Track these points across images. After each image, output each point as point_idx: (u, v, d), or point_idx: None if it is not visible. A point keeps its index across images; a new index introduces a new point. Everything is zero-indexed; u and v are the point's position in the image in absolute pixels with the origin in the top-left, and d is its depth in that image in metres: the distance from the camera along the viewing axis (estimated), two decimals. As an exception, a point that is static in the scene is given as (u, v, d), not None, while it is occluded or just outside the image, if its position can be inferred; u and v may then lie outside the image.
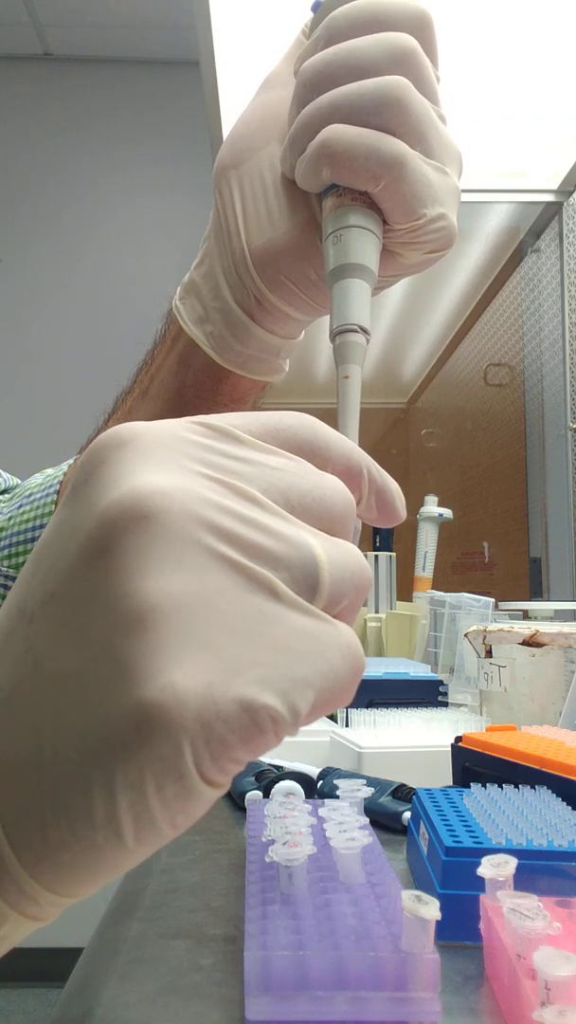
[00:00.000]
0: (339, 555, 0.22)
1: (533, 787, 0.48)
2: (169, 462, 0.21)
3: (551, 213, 1.98)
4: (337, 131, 0.35)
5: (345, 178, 0.35)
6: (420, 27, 0.36)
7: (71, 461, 0.58)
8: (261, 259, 0.40)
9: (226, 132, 1.63)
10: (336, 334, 0.35)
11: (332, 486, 0.23)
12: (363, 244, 0.35)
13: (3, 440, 2.69)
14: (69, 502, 0.22)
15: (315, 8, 0.40)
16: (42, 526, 0.55)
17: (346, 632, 0.21)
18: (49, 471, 0.60)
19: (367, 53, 0.35)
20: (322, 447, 0.24)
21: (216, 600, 0.20)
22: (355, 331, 0.34)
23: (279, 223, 0.39)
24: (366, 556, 1.52)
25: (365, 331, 0.35)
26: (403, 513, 0.26)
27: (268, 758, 0.68)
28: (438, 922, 0.31)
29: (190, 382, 0.46)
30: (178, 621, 0.19)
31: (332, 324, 0.35)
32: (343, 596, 0.22)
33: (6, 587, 0.55)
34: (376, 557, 1.50)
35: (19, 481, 0.65)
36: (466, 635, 0.87)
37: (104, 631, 0.19)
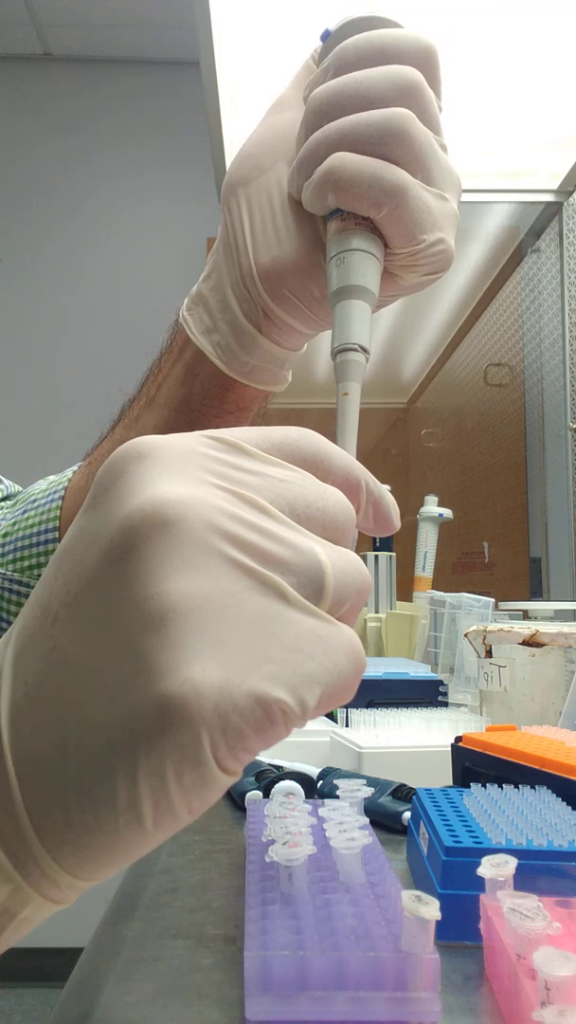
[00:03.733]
0: (342, 561, 0.23)
1: (533, 787, 0.48)
2: (184, 473, 0.22)
3: (551, 213, 1.98)
4: (343, 159, 0.36)
5: (349, 204, 0.37)
6: (425, 61, 0.38)
7: (75, 468, 0.58)
8: (267, 275, 0.41)
9: (226, 132, 1.63)
10: (337, 352, 0.36)
11: (334, 497, 0.24)
12: (365, 267, 0.37)
13: (4, 446, 2.70)
14: (90, 510, 0.23)
15: (324, 37, 0.41)
16: (47, 531, 0.55)
17: (349, 633, 0.23)
18: (52, 478, 0.60)
19: (374, 85, 0.36)
20: (324, 461, 0.26)
21: (230, 602, 0.21)
22: (355, 350, 0.36)
23: (285, 242, 0.41)
24: (366, 556, 1.52)
25: (365, 350, 0.36)
26: (397, 524, 0.28)
27: (268, 758, 0.68)
28: (438, 922, 0.31)
29: (197, 391, 0.47)
30: (196, 621, 0.20)
31: (333, 343, 0.36)
32: (346, 600, 0.23)
33: (11, 591, 0.55)
34: (376, 557, 1.50)
35: (20, 488, 0.65)
36: (466, 635, 0.87)
37: (127, 629, 0.21)
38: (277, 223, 0.41)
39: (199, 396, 0.47)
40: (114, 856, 0.22)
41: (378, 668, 0.94)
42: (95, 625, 0.21)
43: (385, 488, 0.28)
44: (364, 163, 0.36)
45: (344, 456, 0.26)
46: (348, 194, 0.36)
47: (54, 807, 0.21)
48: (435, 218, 0.37)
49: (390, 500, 0.28)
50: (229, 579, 0.21)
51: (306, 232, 0.41)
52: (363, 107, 0.37)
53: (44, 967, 1.87)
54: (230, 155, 1.68)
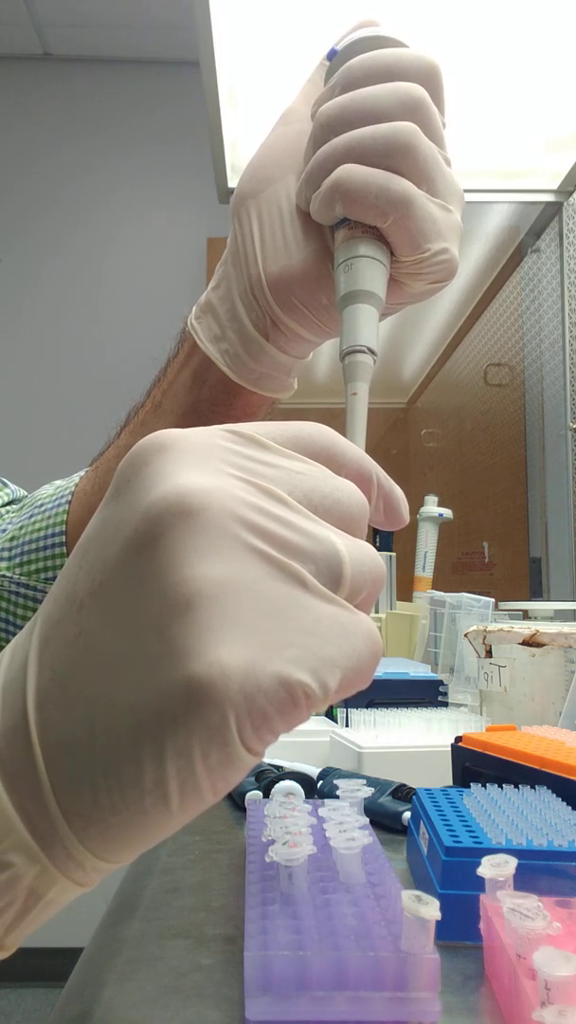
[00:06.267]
0: (358, 551, 0.24)
1: (533, 787, 0.48)
2: (205, 465, 0.23)
3: (551, 213, 1.98)
4: (350, 170, 0.37)
5: (356, 213, 0.38)
6: (429, 77, 0.39)
7: (81, 473, 0.59)
8: (276, 284, 0.42)
9: (226, 132, 1.62)
10: (346, 354, 0.37)
11: (349, 489, 0.25)
12: (372, 272, 0.38)
13: (10, 451, 2.70)
14: (113, 500, 0.24)
15: (331, 56, 0.42)
16: (53, 535, 0.56)
17: (366, 620, 0.24)
18: (59, 483, 0.60)
19: (380, 100, 0.38)
20: (338, 454, 0.26)
21: (253, 588, 0.22)
22: (363, 352, 0.36)
23: (294, 251, 0.42)
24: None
25: (373, 352, 0.37)
26: (407, 517, 0.29)
27: (268, 758, 0.68)
28: (438, 922, 0.31)
29: (204, 397, 0.48)
30: (222, 606, 0.21)
31: (342, 345, 0.37)
32: (362, 588, 0.24)
33: (18, 594, 0.56)
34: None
35: (26, 493, 0.65)
36: (466, 635, 0.87)
37: (153, 615, 0.21)
38: (286, 233, 0.42)
39: (206, 402, 0.48)
40: (139, 837, 0.22)
41: (378, 668, 0.94)
42: (121, 611, 0.22)
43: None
44: (371, 174, 0.37)
45: (356, 451, 0.27)
46: (355, 204, 0.37)
47: (81, 788, 0.22)
48: (440, 228, 0.38)
49: (399, 494, 0.28)
50: (251, 566, 0.22)
51: (314, 242, 0.42)
52: (369, 122, 0.38)
53: (44, 967, 1.87)
54: (230, 154, 1.68)
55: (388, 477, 0.28)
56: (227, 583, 0.21)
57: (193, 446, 0.24)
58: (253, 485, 0.23)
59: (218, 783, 0.22)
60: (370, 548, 0.25)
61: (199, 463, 0.23)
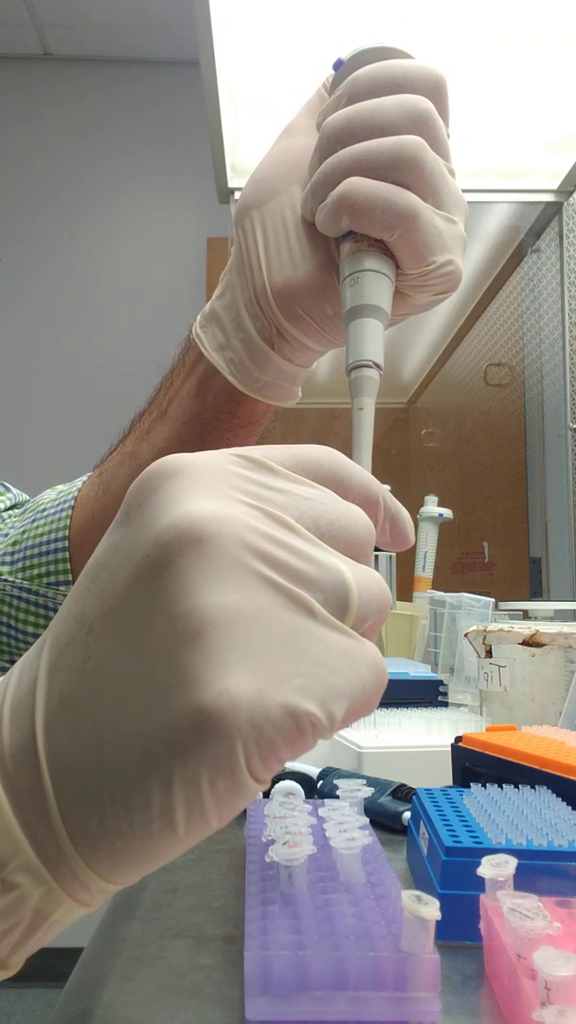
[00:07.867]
0: (365, 579, 0.24)
1: (533, 787, 0.48)
2: (215, 491, 0.23)
3: (551, 213, 1.98)
4: (357, 183, 0.37)
5: (362, 226, 0.38)
6: (436, 90, 0.39)
7: (84, 478, 0.59)
8: (281, 294, 0.43)
9: (226, 132, 1.62)
10: (352, 369, 0.37)
11: (356, 515, 0.25)
12: (378, 286, 0.38)
13: (10, 454, 2.70)
14: (123, 525, 0.24)
15: (336, 66, 0.42)
16: (56, 540, 0.56)
17: (372, 648, 0.24)
18: (61, 487, 0.61)
19: (387, 113, 0.38)
20: (345, 478, 0.27)
21: (262, 617, 0.22)
22: (369, 367, 0.37)
23: (299, 262, 0.42)
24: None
25: (378, 367, 0.37)
26: (413, 539, 0.29)
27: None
28: (438, 922, 0.31)
29: (209, 405, 0.48)
30: (231, 635, 0.21)
31: (348, 360, 0.37)
32: (368, 616, 0.24)
33: (20, 599, 0.56)
34: (376, 557, 1.49)
35: (28, 497, 0.66)
36: (466, 635, 0.87)
37: (162, 642, 0.21)
38: (291, 244, 0.42)
39: (211, 410, 0.48)
40: (144, 860, 0.23)
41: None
42: (130, 637, 0.22)
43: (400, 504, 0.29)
44: (377, 187, 0.37)
45: (363, 474, 0.27)
46: (362, 217, 0.37)
47: (89, 812, 0.22)
48: (444, 240, 0.38)
49: (405, 516, 0.29)
50: (261, 595, 0.22)
51: (319, 253, 0.42)
52: (376, 134, 0.38)
53: (44, 967, 1.87)
54: (230, 154, 1.68)
55: (394, 499, 0.28)
56: (237, 612, 0.21)
57: (203, 471, 0.24)
58: (262, 512, 0.23)
59: (224, 811, 0.22)
60: (376, 575, 0.25)
61: (209, 489, 0.23)
